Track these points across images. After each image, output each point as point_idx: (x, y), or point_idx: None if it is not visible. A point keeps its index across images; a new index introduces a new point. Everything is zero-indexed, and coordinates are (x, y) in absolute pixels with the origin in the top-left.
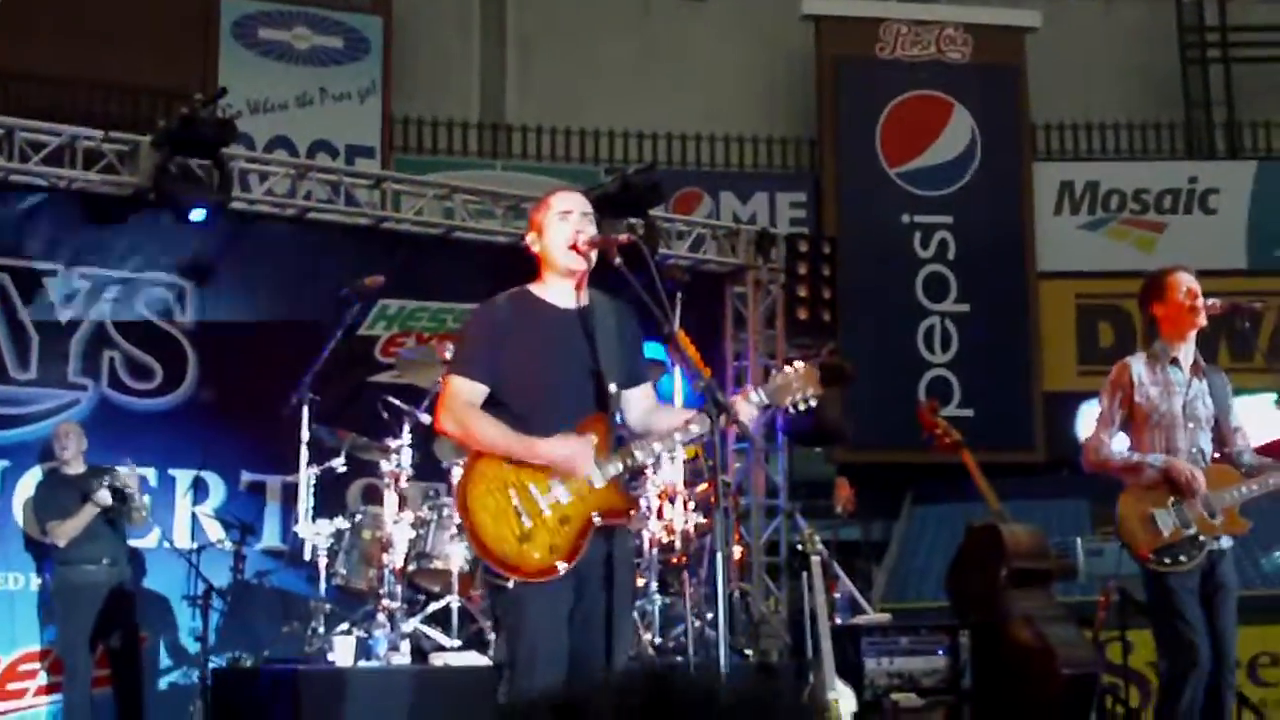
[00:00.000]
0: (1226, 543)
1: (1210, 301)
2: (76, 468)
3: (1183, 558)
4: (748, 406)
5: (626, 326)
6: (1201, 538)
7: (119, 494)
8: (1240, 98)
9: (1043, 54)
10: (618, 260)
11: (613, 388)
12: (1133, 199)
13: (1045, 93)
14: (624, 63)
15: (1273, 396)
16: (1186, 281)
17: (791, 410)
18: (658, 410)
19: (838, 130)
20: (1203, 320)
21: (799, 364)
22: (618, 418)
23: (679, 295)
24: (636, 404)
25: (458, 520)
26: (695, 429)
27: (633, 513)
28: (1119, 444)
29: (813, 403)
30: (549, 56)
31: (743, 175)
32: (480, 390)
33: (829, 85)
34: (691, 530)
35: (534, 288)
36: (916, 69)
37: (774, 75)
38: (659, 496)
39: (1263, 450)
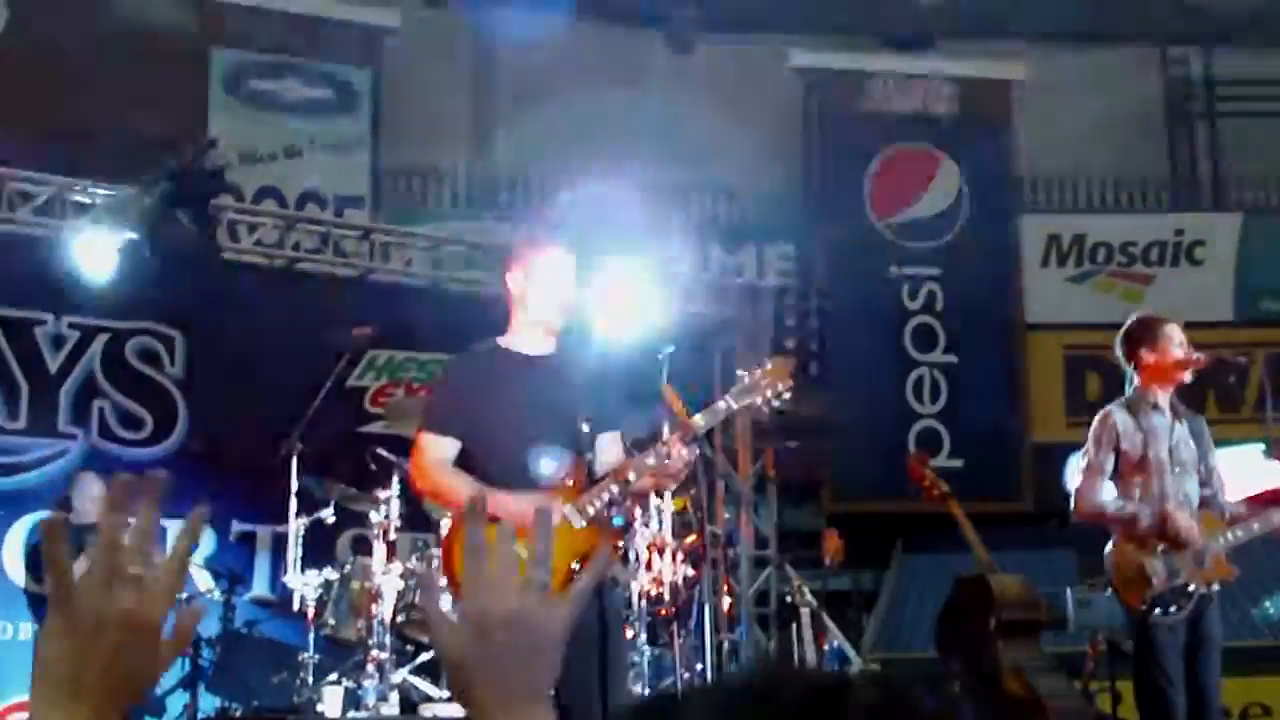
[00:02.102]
0: (1213, 590)
1: (1196, 356)
2: (85, 519)
3: (1173, 608)
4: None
5: (596, 369)
6: (1191, 587)
7: None
8: (1226, 150)
9: (1029, 107)
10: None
11: (585, 427)
12: (1120, 251)
13: (1032, 146)
14: (612, 115)
15: (1261, 447)
16: (1179, 335)
17: (766, 408)
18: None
19: (826, 183)
20: (1189, 377)
21: (768, 361)
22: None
23: (668, 349)
24: (605, 450)
25: None
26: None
27: (616, 548)
28: (1108, 493)
29: (786, 396)
30: (537, 108)
31: (731, 227)
32: (449, 444)
33: (816, 138)
34: (680, 582)
35: (503, 339)
36: (903, 122)
37: (762, 127)
38: (648, 549)
39: (1255, 500)
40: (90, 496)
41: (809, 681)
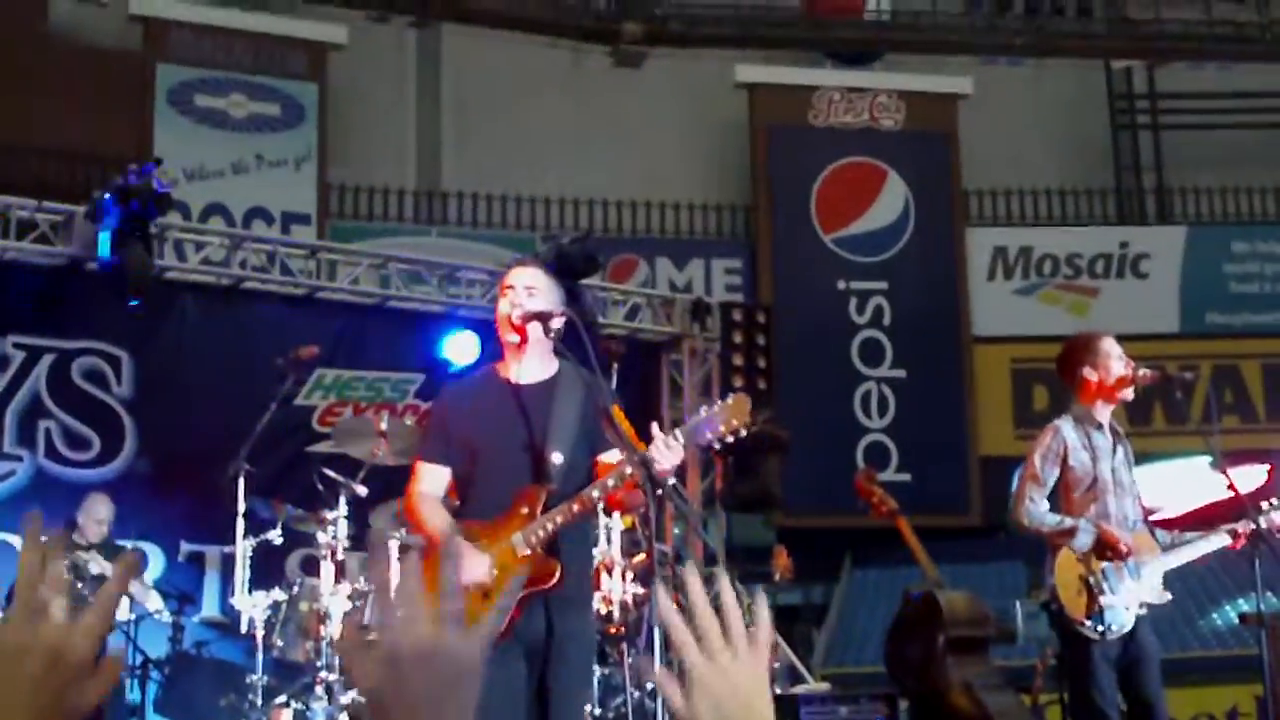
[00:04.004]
0: (1145, 610)
1: (1143, 372)
2: (90, 539)
3: (1114, 625)
4: (665, 450)
5: (590, 400)
6: (1129, 606)
7: (75, 569)
8: (1170, 163)
9: (975, 121)
10: (551, 335)
11: (557, 457)
12: (1065, 264)
13: (978, 159)
14: (560, 130)
15: (1208, 459)
16: (1118, 349)
17: (718, 444)
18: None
19: (772, 197)
20: (1131, 395)
21: (731, 397)
22: (555, 486)
23: (615, 366)
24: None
25: None
26: (611, 481)
27: (554, 575)
28: (1046, 507)
29: (743, 433)
30: (485, 123)
31: (679, 242)
32: (439, 471)
33: (763, 153)
34: (630, 600)
35: (500, 364)
36: (850, 136)
37: (709, 143)
38: (597, 567)
39: (1203, 513)
40: (96, 518)
41: None
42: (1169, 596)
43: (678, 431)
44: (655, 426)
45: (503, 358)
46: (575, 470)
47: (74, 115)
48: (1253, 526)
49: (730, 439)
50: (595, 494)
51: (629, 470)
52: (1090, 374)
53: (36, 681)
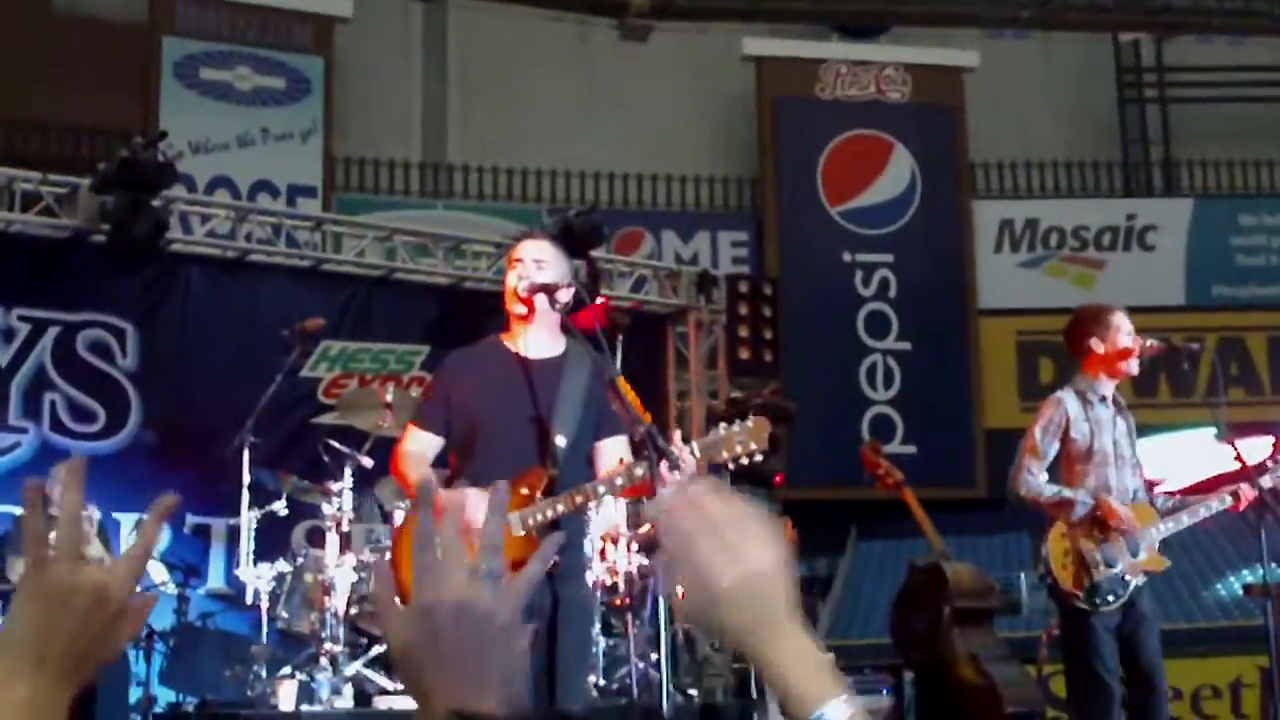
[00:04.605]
0: (1144, 579)
1: (1149, 343)
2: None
3: (1110, 597)
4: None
5: (596, 380)
6: (1127, 576)
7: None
8: (1177, 136)
9: (981, 93)
10: (557, 308)
11: (561, 440)
12: (1072, 236)
13: (984, 132)
14: (566, 103)
15: (1213, 431)
16: (1128, 324)
17: (732, 465)
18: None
19: (779, 170)
20: (1136, 369)
21: (751, 420)
22: (557, 470)
23: (620, 337)
24: (608, 457)
25: None
26: (620, 480)
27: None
28: (1045, 478)
29: (758, 458)
30: (491, 97)
31: (685, 215)
32: (430, 439)
33: (769, 125)
34: (635, 572)
35: (505, 335)
36: (856, 109)
37: (715, 115)
38: (602, 539)
39: (1208, 485)
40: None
41: None
42: (1168, 563)
43: (694, 445)
44: (678, 436)
45: (508, 329)
46: (577, 453)
47: (79, 88)
48: (1257, 493)
49: (745, 460)
50: (601, 489)
51: (639, 472)
52: (1097, 345)
53: (83, 618)
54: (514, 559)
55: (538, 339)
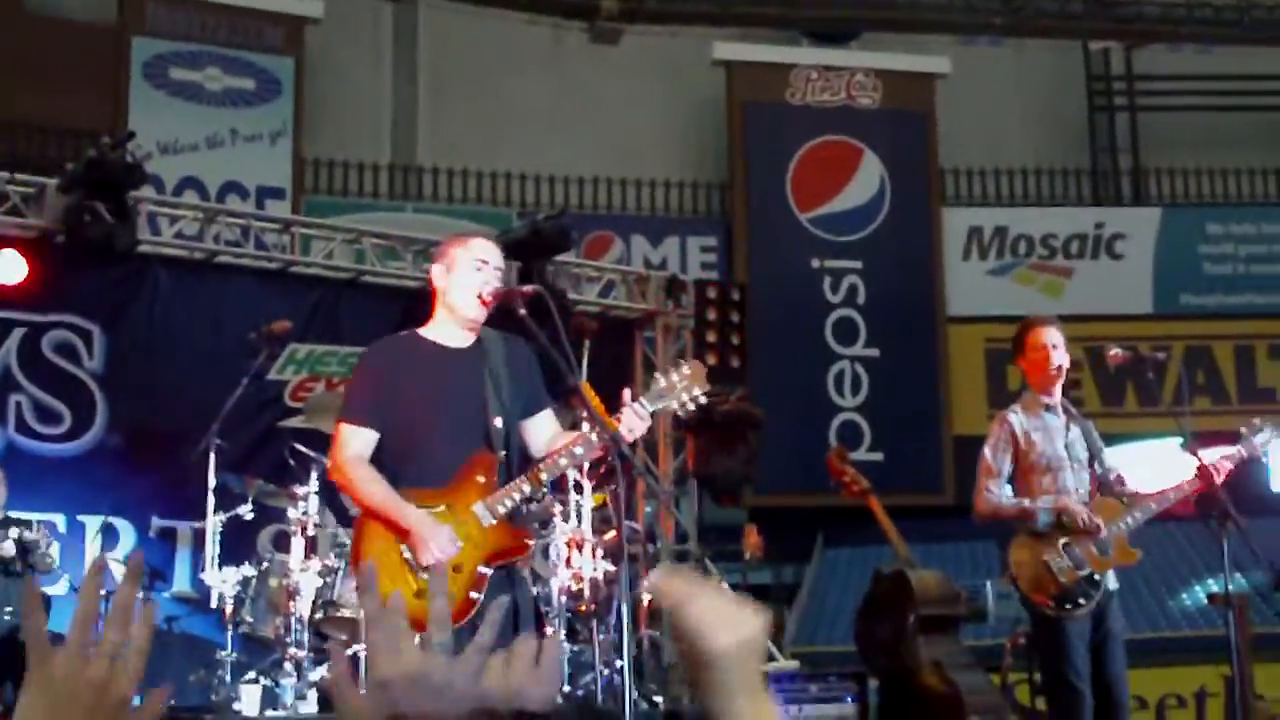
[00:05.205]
0: (1114, 584)
1: (1113, 351)
2: None
3: (1081, 600)
4: (636, 419)
5: (517, 357)
6: (1097, 577)
7: (22, 547)
8: (1146, 145)
9: (952, 100)
10: (522, 312)
11: (498, 423)
12: (1040, 244)
13: (954, 138)
14: (536, 106)
15: (1179, 440)
16: (1045, 336)
17: (680, 412)
18: (561, 436)
19: (748, 175)
20: (1060, 377)
21: (684, 365)
22: (505, 452)
23: (588, 341)
24: (539, 432)
25: None
26: (579, 450)
27: (528, 546)
28: (1005, 494)
29: (702, 400)
30: (461, 99)
31: (654, 219)
32: (369, 436)
33: (739, 130)
34: (600, 578)
35: (423, 330)
36: (826, 115)
37: (686, 120)
38: (568, 544)
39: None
40: None
41: None
42: (1139, 554)
43: (643, 399)
44: (627, 393)
45: (422, 323)
46: (512, 434)
47: (48, 88)
48: (1221, 508)
49: (691, 406)
50: (563, 462)
51: (595, 439)
52: (1022, 362)
53: (89, 713)
54: (492, 549)
55: (457, 332)
